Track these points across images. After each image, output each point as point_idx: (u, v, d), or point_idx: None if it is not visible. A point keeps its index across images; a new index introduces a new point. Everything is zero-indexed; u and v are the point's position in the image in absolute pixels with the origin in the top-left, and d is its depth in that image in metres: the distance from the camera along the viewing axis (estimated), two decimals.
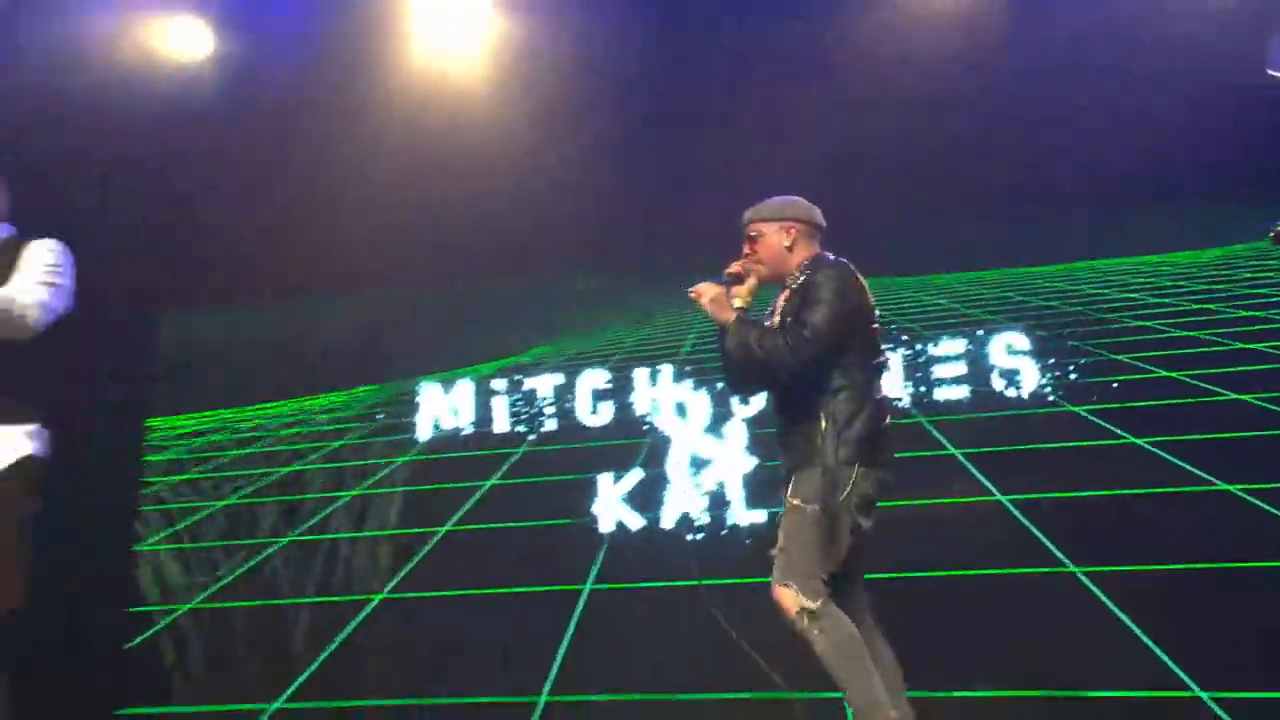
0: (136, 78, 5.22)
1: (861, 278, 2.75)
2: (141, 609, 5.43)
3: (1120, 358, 4.64)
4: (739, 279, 2.76)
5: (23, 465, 2.55)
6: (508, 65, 5.29)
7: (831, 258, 2.78)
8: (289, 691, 4.98)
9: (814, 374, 2.59)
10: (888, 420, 2.69)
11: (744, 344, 2.62)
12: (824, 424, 2.56)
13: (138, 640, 5.29)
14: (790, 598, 2.45)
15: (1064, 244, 5.10)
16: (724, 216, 3.35)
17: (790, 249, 2.75)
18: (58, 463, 2.66)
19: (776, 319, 2.75)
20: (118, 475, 5.57)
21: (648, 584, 4.82)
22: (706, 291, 2.71)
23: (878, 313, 2.78)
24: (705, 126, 5.13)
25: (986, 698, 4.02)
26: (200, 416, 6.11)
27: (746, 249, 2.82)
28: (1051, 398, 4.72)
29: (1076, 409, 4.60)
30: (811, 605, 2.42)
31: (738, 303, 2.71)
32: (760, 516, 4.83)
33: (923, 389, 4.92)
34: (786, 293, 2.77)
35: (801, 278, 2.70)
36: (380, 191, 5.38)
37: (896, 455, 2.76)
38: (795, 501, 2.57)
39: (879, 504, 2.68)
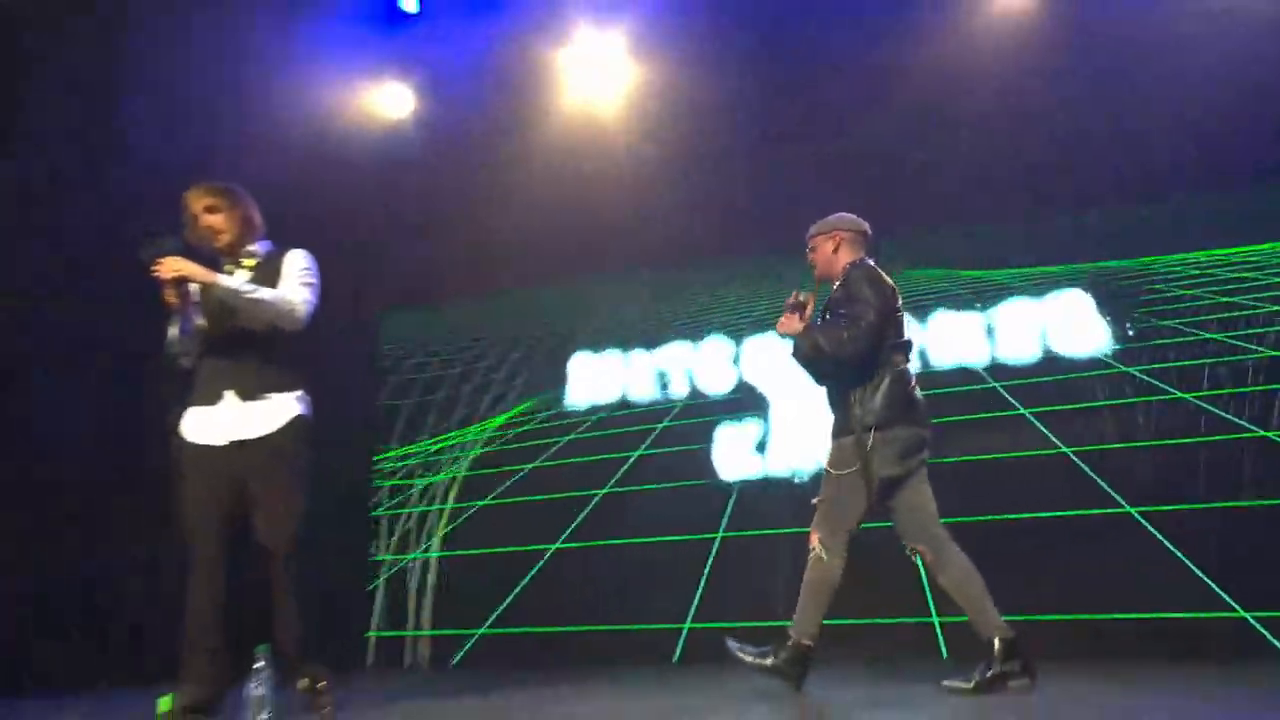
0: (359, 129, 5.88)
1: (884, 273, 3.08)
2: (380, 558, 6.02)
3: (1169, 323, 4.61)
4: (800, 306, 3.06)
5: (294, 424, 2.80)
6: (642, 101, 5.62)
7: (865, 260, 3.11)
8: (491, 618, 5.54)
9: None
10: (911, 387, 2.99)
11: (814, 345, 2.94)
12: (853, 398, 2.94)
13: (378, 581, 5.96)
14: (815, 540, 2.97)
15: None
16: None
17: (836, 252, 3.14)
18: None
19: (826, 314, 3.13)
20: (355, 445, 6.08)
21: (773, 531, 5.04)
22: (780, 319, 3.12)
23: (900, 300, 3.07)
24: (807, 145, 5.20)
25: (1060, 621, 4.22)
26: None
27: (808, 257, 3.24)
28: (1109, 360, 4.72)
29: (1130, 369, 4.63)
30: (826, 549, 2.92)
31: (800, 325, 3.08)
32: None
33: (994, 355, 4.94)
34: (835, 289, 3.15)
35: (844, 277, 3.09)
36: (546, 206, 5.67)
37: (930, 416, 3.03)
38: (828, 469, 3.01)
39: (924, 454, 2.96)
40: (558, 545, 5.51)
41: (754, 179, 5.33)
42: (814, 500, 3.04)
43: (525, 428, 5.95)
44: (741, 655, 2.97)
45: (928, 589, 4.43)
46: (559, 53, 5.65)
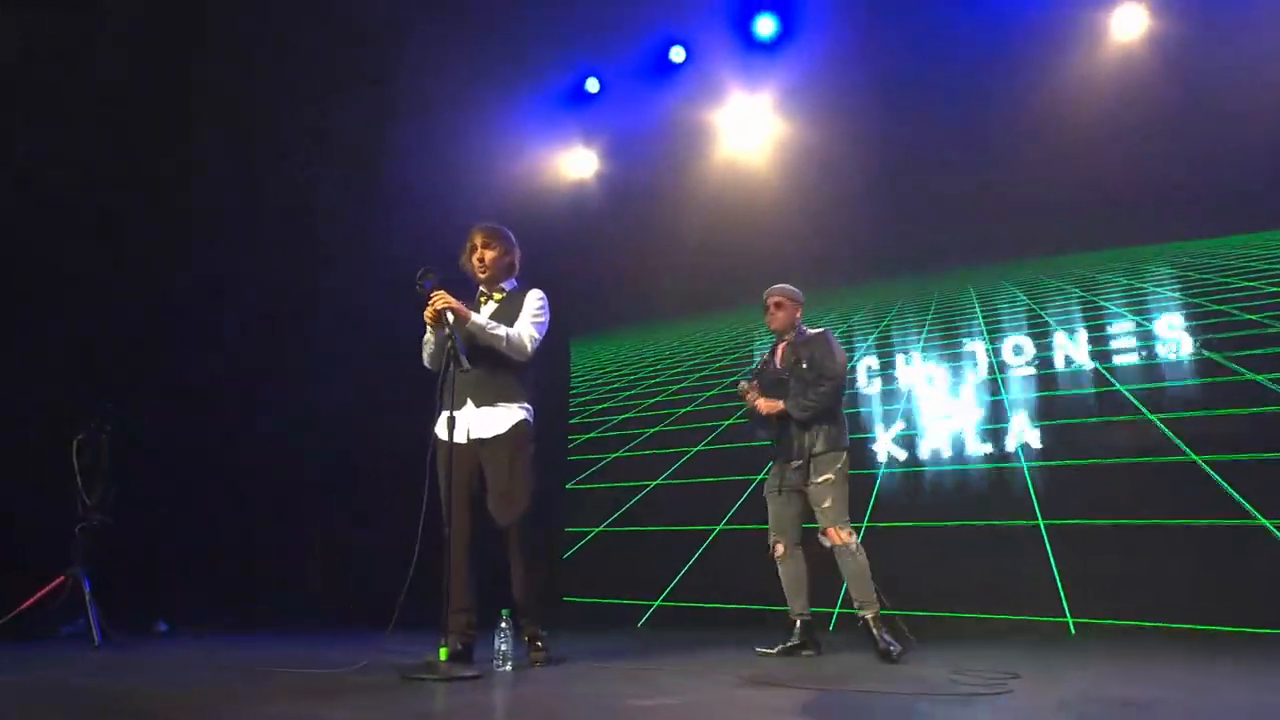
0: (554, 187, 6.54)
1: None
2: (573, 530, 6.32)
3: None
4: (751, 389, 3.67)
5: (519, 426, 3.15)
6: (787, 156, 5.92)
7: (820, 328, 3.73)
8: (665, 592, 5.80)
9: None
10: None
11: (807, 408, 3.50)
12: (833, 428, 3.53)
13: (570, 553, 6.33)
14: (840, 535, 3.39)
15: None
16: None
17: (796, 314, 3.74)
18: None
19: (779, 363, 3.66)
20: (551, 438, 6.26)
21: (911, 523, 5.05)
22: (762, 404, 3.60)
23: None
24: (926, 188, 5.36)
25: (1184, 629, 4.09)
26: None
27: (771, 312, 3.71)
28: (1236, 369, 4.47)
29: (1259, 377, 4.40)
30: (850, 539, 3.39)
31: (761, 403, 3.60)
32: (988, 448, 5.08)
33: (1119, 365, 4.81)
34: (784, 346, 3.69)
35: (795, 336, 3.67)
36: (703, 245, 6.02)
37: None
38: (828, 476, 3.46)
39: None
40: (722, 526, 5.67)
41: (879, 218, 5.51)
42: (826, 505, 3.45)
43: (685, 410, 6.17)
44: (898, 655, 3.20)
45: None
46: (714, 114, 6.07)
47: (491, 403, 3.12)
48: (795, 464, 3.57)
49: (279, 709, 1.95)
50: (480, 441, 3.09)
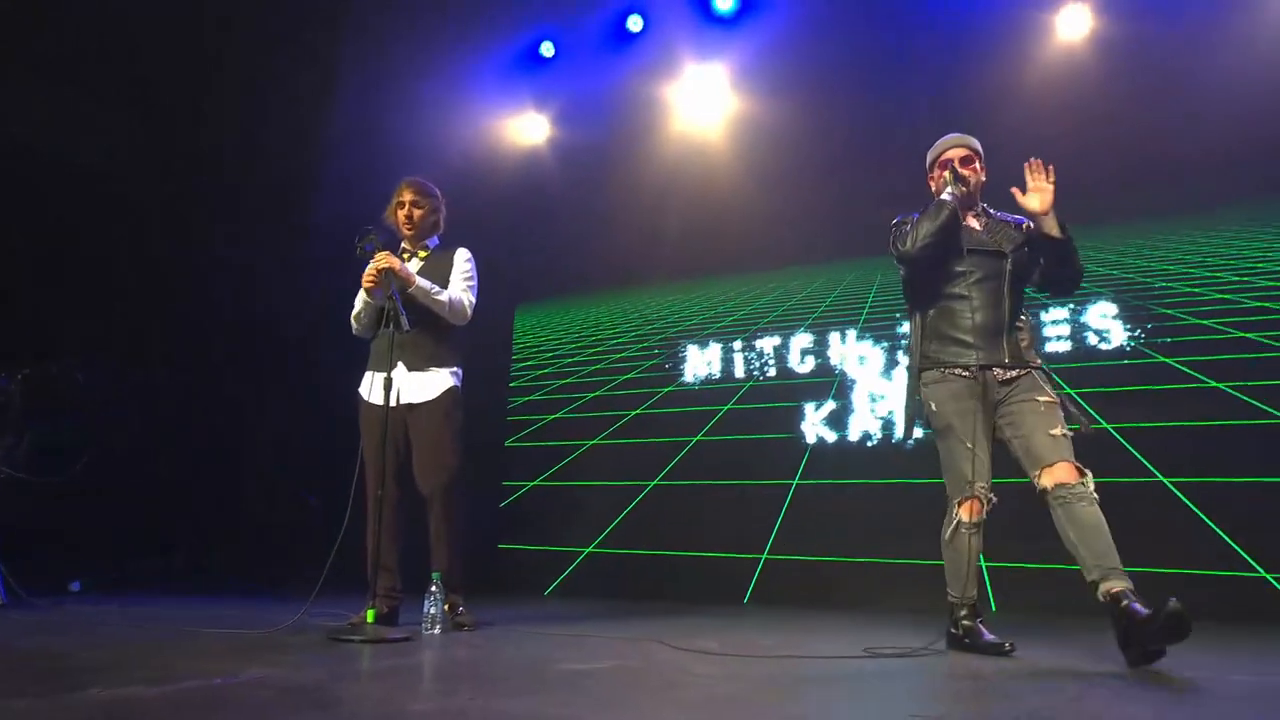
0: (500, 154, 6.40)
1: None
2: (510, 483, 6.44)
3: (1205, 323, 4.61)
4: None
5: (448, 393, 3.10)
6: (740, 131, 5.93)
7: None
8: (598, 540, 5.93)
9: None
10: None
11: (1080, 267, 2.62)
12: (1032, 333, 2.55)
13: (507, 502, 6.42)
14: (1084, 472, 2.33)
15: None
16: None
17: None
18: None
19: (985, 233, 2.68)
20: (492, 397, 6.55)
21: (838, 480, 5.26)
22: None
23: None
24: (881, 167, 5.29)
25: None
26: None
27: (977, 167, 2.74)
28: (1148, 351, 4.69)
29: (1168, 360, 4.65)
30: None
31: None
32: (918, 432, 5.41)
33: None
34: (974, 218, 2.75)
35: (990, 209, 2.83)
36: (655, 218, 6.13)
37: None
38: (1049, 396, 2.37)
39: None
40: (656, 482, 5.80)
41: (832, 195, 5.51)
42: (1054, 433, 2.37)
43: (629, 377, 6.28)
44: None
45: None
46: (669, 87, 5.99)
47: (423, 367, 3.08)
48: (1008, 375, 2.42)
49: (203, 666, 1.92)
50: (409, 406, 3.04)
